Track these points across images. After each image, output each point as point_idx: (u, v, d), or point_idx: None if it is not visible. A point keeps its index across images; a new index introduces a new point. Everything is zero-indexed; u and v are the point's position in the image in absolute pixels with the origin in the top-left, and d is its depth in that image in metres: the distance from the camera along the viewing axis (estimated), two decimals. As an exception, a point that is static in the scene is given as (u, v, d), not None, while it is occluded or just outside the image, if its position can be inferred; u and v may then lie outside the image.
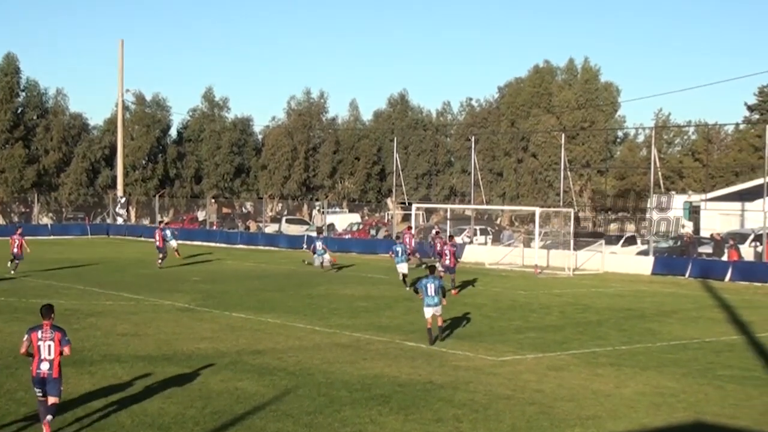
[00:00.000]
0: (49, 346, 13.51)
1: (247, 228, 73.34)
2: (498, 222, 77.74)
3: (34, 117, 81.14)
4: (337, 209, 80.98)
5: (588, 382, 18.15)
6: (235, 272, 42.01)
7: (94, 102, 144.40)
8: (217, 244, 62.46)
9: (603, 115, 79.94)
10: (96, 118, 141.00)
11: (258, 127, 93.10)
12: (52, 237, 66.46)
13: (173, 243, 45.81)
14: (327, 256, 43.16)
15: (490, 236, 59.88)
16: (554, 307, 30.84)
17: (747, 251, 45.22)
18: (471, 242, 55.42)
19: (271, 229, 69.76)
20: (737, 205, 53.85)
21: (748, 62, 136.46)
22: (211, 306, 29.14)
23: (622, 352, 21.76)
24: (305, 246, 57.41)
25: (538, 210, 49.88)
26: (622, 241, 51.75)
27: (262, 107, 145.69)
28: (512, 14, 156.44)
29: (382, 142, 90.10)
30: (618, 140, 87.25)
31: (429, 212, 75.18)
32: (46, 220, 78.72)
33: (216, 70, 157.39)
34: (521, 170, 79.87)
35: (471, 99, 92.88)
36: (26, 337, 13.68)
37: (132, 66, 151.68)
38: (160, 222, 54.71)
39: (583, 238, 51.42)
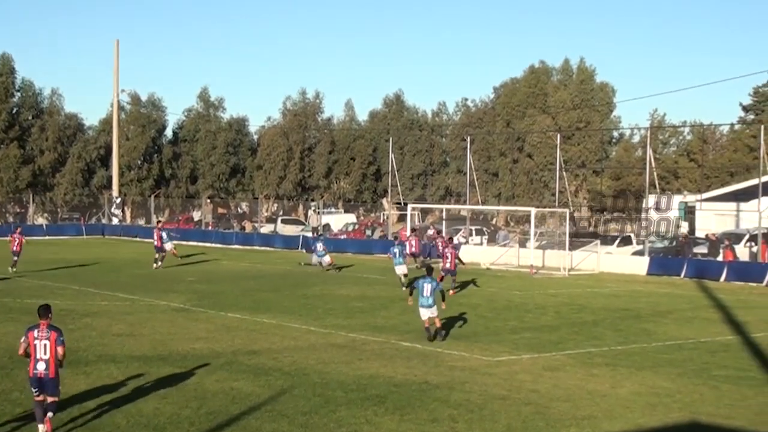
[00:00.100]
0: (45, 345, 13.56)
1: (243, 228, 73.30)
2: (494, 222, 77.75)
3: (30, 117, 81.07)
4: (333, 209, 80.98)
5: (584, 382, 18.16)
6: (230, 272, 41.97)
7: (89, 102, 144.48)
8: (213, 245, 62.40)
9: (598, 115, 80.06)
10: (91, 118, 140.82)
11: (253, 127, 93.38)
12: (47, 237, 66.36)
13: (168, 245, 45.78)
14: (327, 258, 43.31)
15: (486, 236, 59.90)
16: (550, 307, 30.85)
17: (742, 251, 45.26)
18: (467, 242, 55.39)
19: (266, 229, 69.73)
20: (732, 205, 53.89)
21: (743, 62, 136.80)
22: (207, 306, 29.11)
23: (618, 353, 21.77)
24: (301, 246, 57.51)
25: (533, 210, 49.88)
26: (617, 241, 51.76)
27: (257, 107, 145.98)
28: (508, 14, 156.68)
29: (377, 143, 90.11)
30: (613, 140, 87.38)
31: (425, 212, 75.17)
32: (41, 221, 78.67)
33: (211, 70, 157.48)
34: (517, 170, 79.94)
35: (466, 99, 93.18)
36: (24, 337, 13.75)
37: (127, 66, 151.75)
38: (159, 222, 54.71)
39: (579, 238, 51.42)
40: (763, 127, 50.42)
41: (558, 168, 56.46)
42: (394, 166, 66.25)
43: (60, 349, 13.61)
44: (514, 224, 77.96)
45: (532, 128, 78.20)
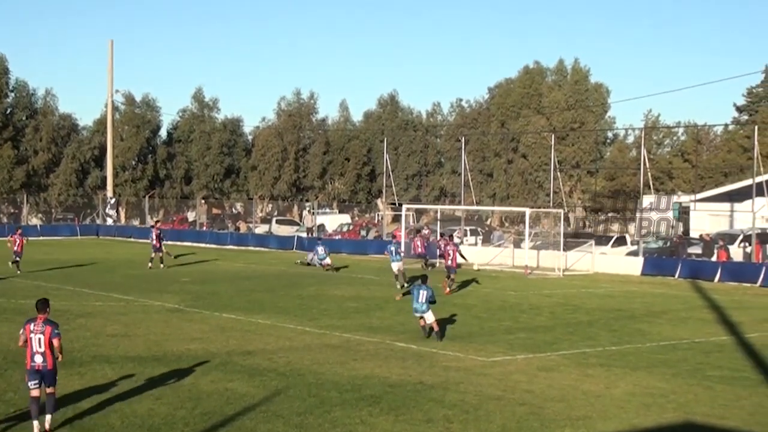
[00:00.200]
0: (39, 339, 13.94)
1: (237, 229, 73.27)
2: (488, 223, 77.83)
3: (23, 118, 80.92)
4: (328, 210, 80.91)
5: (578, 382, 18.18)
6: (225, 273, 41.95)
7: (83, 102, 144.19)
8: (207, 245, 62.35)
9: (593, 116, 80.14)
10: (85, 118, 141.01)
11: (248, 127, 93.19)
12: (41, 238, 66.19)
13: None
14: (327, 260, 43.71)
15: (481, 237, 59.93)
16: (544, 307, 30.87)
17: (736, 252, 45.35)
18: (461, 243, 55.41)
19: (261, 229, 69.69)
20: (726, 205, 53.98)
21: (737, 63, 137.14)
22: (201, 307, 29.09)
23: (612, 353, 21.80)
24: (296, 247, 57.53)
25: (528, 211, 49.93)
26: (612, 241, 51.83)
27: (252, 108, 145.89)
28: (502, 15, 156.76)
29: (372, 143, 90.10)
30: (608, 141, 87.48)
31: (419, 213, 75.20)
32: (35, 221, 78.50)
33: (206, 70, 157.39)
34: (511, 171, 80.00)
35: (461, 100, 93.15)
36: (22, 330, 14.19)
37: (121, 66, 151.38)
38: (156, 222, 54.82)
39: (573, 239, 51.47)
40: (756, 127, 50.57)
41: (552, 168, 56.54)
42: (389, 167, 66.29)
43: (56, 341, 13.97)
44: (508, 225, 78.03)
45: (527, 129, 78.26)
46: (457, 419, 15.02)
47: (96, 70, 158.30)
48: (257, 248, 60.44)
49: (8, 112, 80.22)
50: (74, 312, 26.79)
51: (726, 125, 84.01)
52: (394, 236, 48.92)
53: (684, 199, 58.36)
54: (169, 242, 48.38)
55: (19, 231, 42.40)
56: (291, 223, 75.31)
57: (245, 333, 23.81)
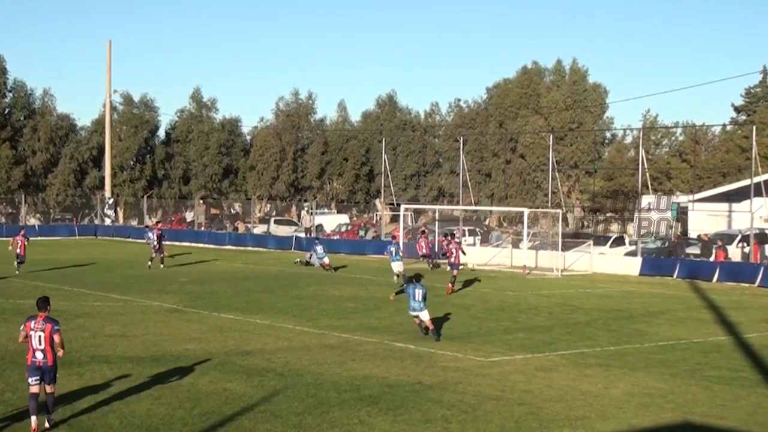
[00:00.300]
0: (40, 336, 14.15)
1: (236, 229, 73.25)
2: (486, 223, 77.80)
3: (22, 118, 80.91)
4: (326, 210, 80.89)
5: (577, 382, 18.18)
6: (223, 273, 41.94)
7: (81, 103, 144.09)
8: (206, 245, 62.36)
9: (591, 116, 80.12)
10: (84, 118, 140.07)
11: (246, 127, 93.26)
12: (39, 238, 66.08)
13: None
14: (326, 259, 43.73)
15: (479, 237, 59.92)
16: (543, 307, 30.88)
17: (734, 252, 45.37)
18: (460, 243, 55.40)
19: (259, 230, 69.67)
20: (724, 206, 53.99)
21: (735, 64, 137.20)
22: (200, 307, 29.08)
23: (611, 353, 21.81)
24: (294, 247, 57.54)
25: (526, 211, 49.92)
26: (610, 242, 51.83)
27: (250, 108, 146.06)
28: (500, 15, 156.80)
29: (370, 143, 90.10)
30: (606, 141, 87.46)
31: (417, 213, 75.20)
32: (33, 221, 78.49)
33: (204, 70, 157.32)
34: (509, 171, 80.00)
35: (459, 100, 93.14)
36: (23, 327, 14.39)
37: (120, 67, 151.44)
38: (157, 222, 54.93)
39: (571, 239, 51.47)
40: (754, 128, 50.62)
41: (551, 168, 56.53)
42: (387, 167, 66.27)
43: (56, 337, 14.17)
44: (507, 225, 78.01)
45: (525, 129, 78.25)
46: (455, 419, 15.03)
47: (94, 71, 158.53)
48: (256, 248, 60.43)
49: (6, 112, 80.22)
50: (72, 312, 26.77)
51: (724, 125, 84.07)
52: (393, 237, 48.93)
53: (682, 199, 58.37)
54: (167, 242, 48.40)
55: (22, 232, 42.34)
56: (289, 223, 75.30)
57: (244, 333, 23.81)
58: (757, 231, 44.97)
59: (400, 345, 22.22)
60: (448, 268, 36.81)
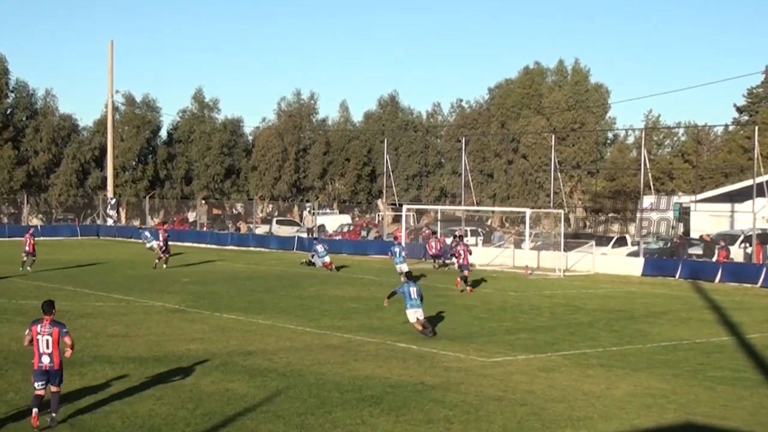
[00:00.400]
0: (47, 340, 14.21)
1: (238, 229, 73.27)
2: (489, 223, 77.78)
3: (24, 118, 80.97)
4: (328, 210, 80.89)
5: (579, 383, 18.17)
6: (225, 273, 41.96)
7: (83, 103, 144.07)
8: (208, 246, 62.40)
9: (593, 116, 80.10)
10: (86, 119, 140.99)
11: (248, 128, 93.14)
12: (41, 238, 65.96)
13: (153, 243, 47.58)
14: (327, 258, 43.68)
15: (481, 237, 59.91)
16: (545, 308, 30.87)
17: (737, 252, 45.33)
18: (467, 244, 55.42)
19: (261, 230, 69.71)
20: (727, 206, 53.95)
21: (737, 64, 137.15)
22: (202, 307, 29.09)
23: (613, 353, 21.80)
24: (296, 247, 57.55)
25: (528, 211, 49.92)
26: (612, 242, 51.81)
27: (252, 108, 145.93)
28: (502, 15, 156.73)
29: (372, 144, 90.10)
30: (608, 142, 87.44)
31: (420, 213, 75.22)
32: (35, 222, 78.52)
33: (206, 71, 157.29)
34: (511, 171, 79.98)
35: (461, 100, 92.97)
36: (28, 330, 14.43)
37: (122, 67, 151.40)
38: (164, 222, 55.13)
39: (573, 239, 51.45)
40: (757, 128, 50.53)
41: (553, 169, 56.51)
42: (389, 167, 66.29)
43: (67, 339, 14.34)
44: (509, 225, 77.96)
45: (527, 129, 78.23)
46: (457, 420, 15.03)
47: (96, 71, 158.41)
48: (258, 249, 60.46)
49: (8, 112, 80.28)
50: (75, 312, 26.78)
51: (726, 126, 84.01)
52: (395, 237, 48.93)
53: (684, 199, 58.36)
54: (169, 243, 48.45)
55: (30, 231, 43.07)
56: (291, 223, 75.32)
57: (246, 333, 23.81)
58: (760, 231, 44.92)
59: (403, 345, 22.22)
60: (457, 269, 37.04)
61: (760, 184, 47.08)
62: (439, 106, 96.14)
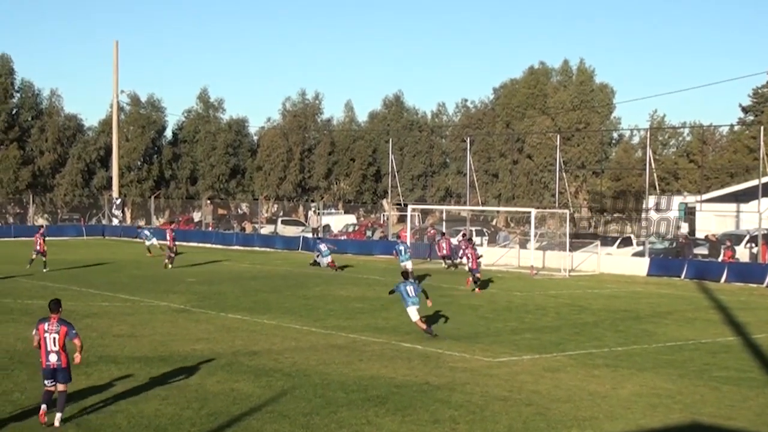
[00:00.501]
0: (54, 338, 14.32)
1: (243, 229, 73.32)
2: (494, 223, 77.72)
3: (29, 118, 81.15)
4: (333, 210, 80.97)
5: (584, 383, 18.16)
6: (231, 273, 41.98)
7: (88, 103, 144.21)
8: (213, 245, 62.46)
9: (598, 116, 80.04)
10: (91, 119, 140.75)
11: (253, 128, 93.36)
12: (47, 238, 65.94)
13: (153, 241, 47.99)
14: (329, 258, 43.85)
15: (486, 237, 59.87)
16: (550, 308, 30.85)
17: (742, 252, 45.24)
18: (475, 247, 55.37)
19: (266, 230, 69.72)
20: (732, 206, 53.87)
21: (743, 64, 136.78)
22: (207, 307, 29.12)
23: (619, 353, 21.77)
24: (301, 247, 57.59)
25: (533, 211, 49.86)
26: (617, 242, 51.74)
27: (257, 108, 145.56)
28: (507, 15, 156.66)
29: (377, 144, 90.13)
30: (613, 141, 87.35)
31: (425, 213, 75.20)
32: (41, 221, 78.64)
33: (211, 71, 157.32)
34: (517, 171, 79.92)
35: (466, 100, 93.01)
36: (35, 330, 14.53)
37: (127, 67, 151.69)
38: (171, 222, 55.27)
39: (578, 239, 51.39)
40: (762, 128, 50.43)
41: (558, 169, 56.46)
42: (394, 167, 66.26)
43: (77, 341, 14.44)
44: (514, 225, 77.92)
45: (532, 129, 78.19)
46: (463, 420, 15.02)
47: (101, 71, 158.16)
48: (263, 249, 60.50)
49: (14, 112, 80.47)
50: (80, 312, 26.81)
51: (732, 126, 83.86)
52: (398, 237, 48.96)
53: (690, 199, 58.26)
54: (161, 241, 49.03)
55: (41, 231, 43.55)
56: (296, 223, 75.34)
57: (251, 333, 23.83)
58: (766, 231, 44.79)
59: (408, 345, 22.21)
60: (468, 271, 36.99)
61: (765, 184, 46.91)
62: (444, 106, 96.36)
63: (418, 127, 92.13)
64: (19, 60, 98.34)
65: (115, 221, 76.92)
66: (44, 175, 79.85)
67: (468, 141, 62.17)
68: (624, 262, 46.40)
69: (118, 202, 78.07)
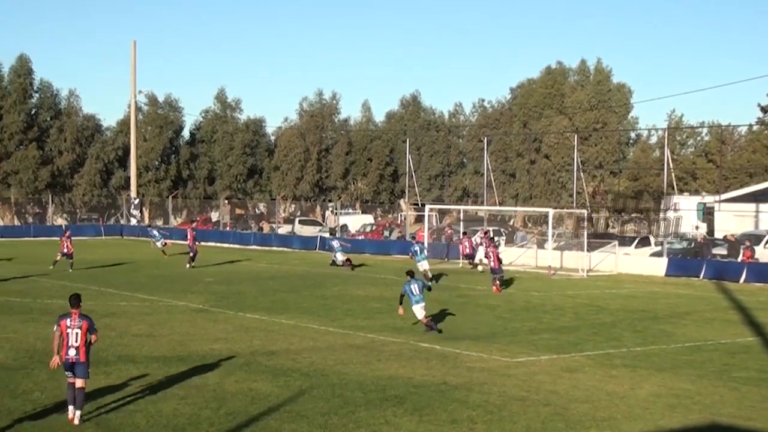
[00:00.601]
0: (77, 333, 14.49)
1: (261, 229, 73.46)
2: (511, 223, 77.61)
3: (48, 118, 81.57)
4: (350, 210, 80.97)
5: (603, 383, 18.12)
6: (248, 273, 42.09)
7: (107, 103, 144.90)
8: (231, 245, 62.63)
9: (615, 116, 79.74)
10: (109, 119, 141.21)
11: (270, 128, 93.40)
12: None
13: (160, 243, 48.33)
14: (341, 255, 44.33)
15: (504, 237, 59.79)
16: (568, 308, 30.78)
17: (762, 252, 45.00)
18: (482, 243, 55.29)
19: (284, 230, 69.88)
20: (751, 206, 53.62)
21: (761, 63, 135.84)
22: (225, 307, 29.20)
23: (637, 354, 21.71)
24: (319, 247, 57.68)
25: (551, 211, 49.76)
26: (635, 242, 51.56)
27: (274, 108, 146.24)
28: (524, 15, 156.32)
29: (394, 143, 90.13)
30: (631, 141, 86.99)
31: (442, 213, 75.14)
32: (60, 221, 79.09)
33: (228, 71, 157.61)
34: (534, 171, 79.74)
35: (483, 100, 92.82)
36: (56, 326, 14.62)
37: (144, 67, 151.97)
38: (192, 221, 55.50)
39: (595, 239, 51.25)
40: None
41: (575, 169, 56.34)
42: (411, 167, 66.27)
43: (93, 337, 14.64)
44: (531, 225, 77.77)
45: (549, 129, 78.00)
46: (481, 420, 15.01)
47: (119, 71, 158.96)
48: (280, 248, 60.62)
49: (33, 112, 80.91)
50: (99, 312, 26.87)
51: (750, 125, 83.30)
52: (414, 237, 48.99)
53: (708, 199, 58.02)
54: (173, 241, 49.34)
55: (68, 233, 43.37)
56: (314, 223, 75.44)
57: (269, 333, 23.88)
58: (785, 231, 44.63)
59: (426, 345, 22.21)
60: (490, 272, 36.51)
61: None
62: (461, 106, 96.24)
63: (435, 127, 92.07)
64: (37, 60, 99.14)
65: (134, 221, 77.22)
66: (63, 175, 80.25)
67: (485, 141, 62.13)
68: (642, 263, 46.24)
69: (137, 202, 78.38)
